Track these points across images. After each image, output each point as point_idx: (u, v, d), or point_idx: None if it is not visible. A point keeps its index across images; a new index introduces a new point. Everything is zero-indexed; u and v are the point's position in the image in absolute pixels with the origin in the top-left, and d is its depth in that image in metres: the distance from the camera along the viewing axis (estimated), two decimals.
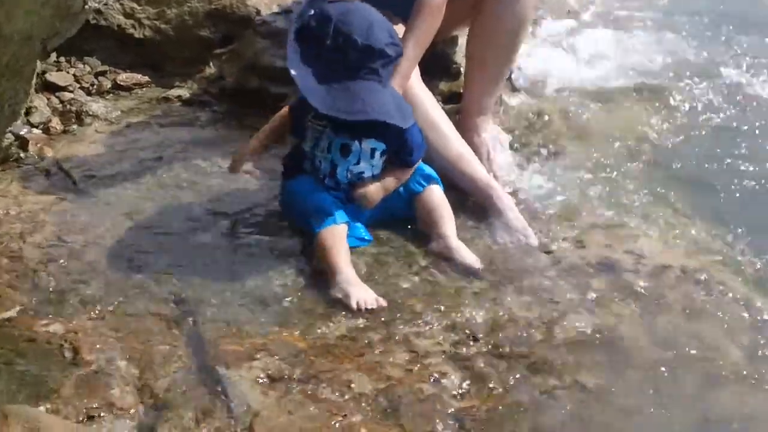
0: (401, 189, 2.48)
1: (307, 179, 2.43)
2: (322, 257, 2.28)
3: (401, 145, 2.43)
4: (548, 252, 2.48)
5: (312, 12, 2.32)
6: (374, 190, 2.41)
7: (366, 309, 2.15)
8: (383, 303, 2.17)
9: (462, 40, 3.16)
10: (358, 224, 2.43)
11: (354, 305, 2.15)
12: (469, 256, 2.39)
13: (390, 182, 2.45)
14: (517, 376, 2.00)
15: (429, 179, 2.51)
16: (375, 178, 2.45)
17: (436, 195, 2.50)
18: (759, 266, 2.48)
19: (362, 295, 2.17)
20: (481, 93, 2.97)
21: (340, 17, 2.28)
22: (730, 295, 2.32)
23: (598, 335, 2.14)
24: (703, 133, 3.32)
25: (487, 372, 2.00)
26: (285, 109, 2.53)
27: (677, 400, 1.97)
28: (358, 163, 2.42)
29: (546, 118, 3.16)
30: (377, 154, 2.43)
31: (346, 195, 2.43)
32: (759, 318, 2.24)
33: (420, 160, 2.50)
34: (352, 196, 2.41)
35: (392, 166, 2.47)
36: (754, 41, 4.10)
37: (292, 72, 2.27)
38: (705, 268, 2.43)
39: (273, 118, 2.54)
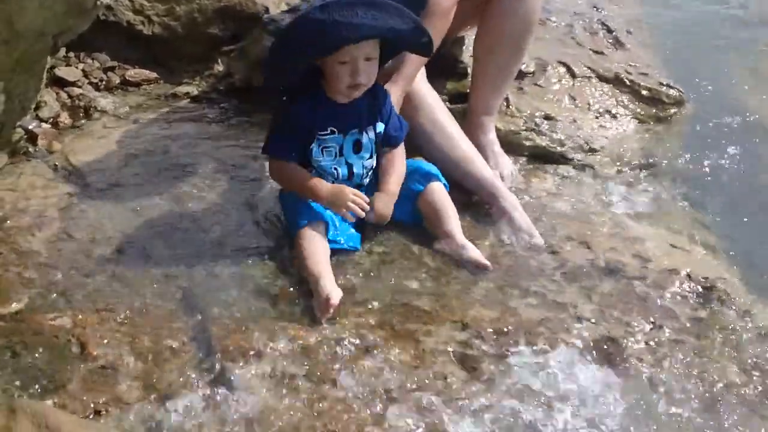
0: (402, 192, 2.46)
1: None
2: (298, 258, 2.29)
3: (390, 116, 2.45)
4: (554, 252, 2.48)
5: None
6: (385, 203, 2.39)
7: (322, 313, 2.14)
8: (333, 301, 2.13)
9: (469, 41, 3.18)
10: (353, 231, 2.43)
11: (317, 315, 2.15)
12: (476, 254, 2.40)
13: (394, 184, 2.44)
14: (523, 381, 2.00)
15: (429, 177, 2.51)
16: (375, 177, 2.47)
17: (438, 192, 2.50)
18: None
19: (318, 302, 2.16)
20: (487, 93, 2.98)
21: None
22: (734, 304, 2.32)
23: (603, 344, 2.14)
24: (712, 141, 3.32)
25: (494, 374, 2.01)
26: (284, 166, 2.40)
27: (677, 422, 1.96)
28: (371, 156, 2.45)
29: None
30: (379, 137, 2.45)
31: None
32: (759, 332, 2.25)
33: (403, 137, 2.50)
34: (369, 220, 2.39)
35: (385, 157, 2.47)
36: None
37: None
38: (710, 274, 2.43)
39: (298, 178, 2.38)
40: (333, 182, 2.40)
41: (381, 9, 2.24)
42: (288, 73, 2.34)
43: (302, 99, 2.38)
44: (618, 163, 3.07)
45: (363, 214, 2.32)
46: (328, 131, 2.38)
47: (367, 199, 2.33)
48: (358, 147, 2.42)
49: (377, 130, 2.44)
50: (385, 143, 2.47)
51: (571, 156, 3.05)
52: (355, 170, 2.43)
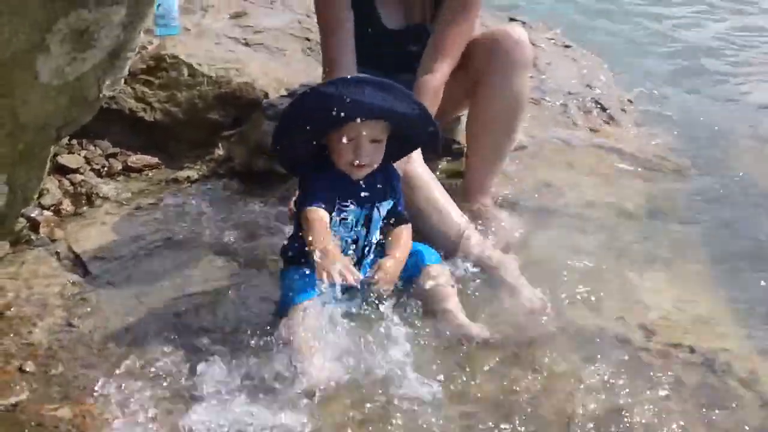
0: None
1: (295, 269, 2.42)
2: (288, 335, 2.27)
3: (400, 195, 2.51)
4: (557, 318, 2.47)
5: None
6: (391, 265, 2.41)
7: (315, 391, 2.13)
8: (316, 383, 2.13)
9: (463, 121, 3.23)
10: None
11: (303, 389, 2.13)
12: (477, 329, 2.38)
13: (401, 253, 2.46)
14: None
15: (428, 259, 2.53)
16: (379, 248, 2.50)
17: (436, 274, 2.50)
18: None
19: (308, 379, 2.15)
20: (482, 172, 3.02)
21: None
22: (738, 374, 2.31)
23: (610, 418, 2.11)
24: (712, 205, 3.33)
25: None
26: (314, 213, 2.33)
27: None
28: (376, 231, 2.47)
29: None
30: (386, 214, 2.48)
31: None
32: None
33: None
34: (373, 286, 2.39)
35: (393, 231, 2.50)
36: None
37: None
38: (715, 341, 2.42)
39: (314, 225, 2.29)
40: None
41: (389, 91, 2.30)
42: (293, 144, 2.39)
43: (320, 175, 2.40)
44: (622, 222, 3.08)
45: (338, 280, 2.20)
46: (348, 203, 2.41)
47: (359, 276, 2.25)
48: (367, 222, 2.45)
49: (387, 208, 2.48)
50: (395, 220, 2.51)
51: (573, 213, 3.06)
52: (359, 243, 2.46)
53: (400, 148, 2.49)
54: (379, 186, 2.44)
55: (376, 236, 2.48)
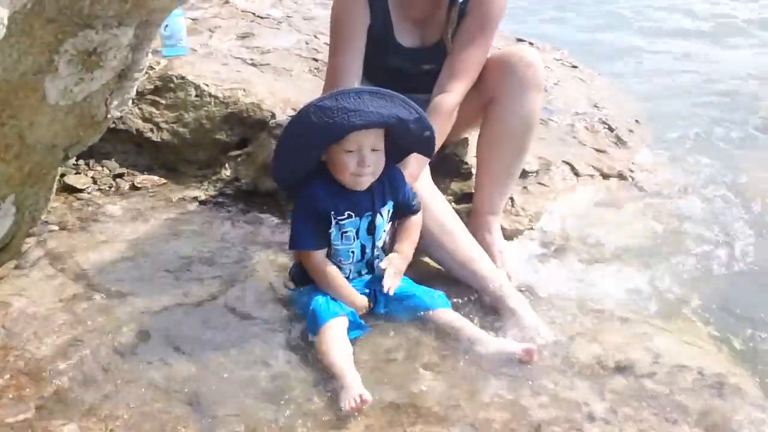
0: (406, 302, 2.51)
1: (313, 287, 2.48)
2: (322, 354, 2.29)
3: (402, 189, 2.54)
4: (563, 349, 2.45)
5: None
6: (398, 265, 2.50)
7: (353, 407, 2.11)
8: (367, 398, 2.12)
9: (473, 142, 3.23)
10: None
11: (343, 407, 2.12)
12: (516, 344, 2.38)
13: (408, 248, 2.56)
14: None
15: (444, 301, 2.53)
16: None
17: (450, 314, 2.50)
18: None
19: (349, 395, 2.14)
20: (491, 193, 3.01)
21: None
22: (747, 398, 2.28)
23: None
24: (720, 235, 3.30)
25: None
26: (313, 256, 2.48)
27: None
28: (382, 236, 2.52)
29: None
30: (390, 214, 2.53)
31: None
32: None
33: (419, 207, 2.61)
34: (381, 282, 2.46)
35: (402, 223, 2.57)
36: None
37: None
38: (722, 369, 2.40)
39: (324, 273, 2.46)
40: (348, 263, 2.49)
41: (387, 99, 2.35)
42: (293, 163, 2.41)
43: (317, 184, 2.44)
44: (625, 258, 3.07)
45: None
46: (346, 215, 2.44)
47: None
48: (372, 228, 2.48)
49: (389, 209, 2.51)
50: (402, 212, 2.56)
51: (578, 250, 3.04)
52: (367, 250, 2.50)
53: (395, 154, 2.52)
54: (379, 193, 2.47)
55: (382, 239, 2.53)
